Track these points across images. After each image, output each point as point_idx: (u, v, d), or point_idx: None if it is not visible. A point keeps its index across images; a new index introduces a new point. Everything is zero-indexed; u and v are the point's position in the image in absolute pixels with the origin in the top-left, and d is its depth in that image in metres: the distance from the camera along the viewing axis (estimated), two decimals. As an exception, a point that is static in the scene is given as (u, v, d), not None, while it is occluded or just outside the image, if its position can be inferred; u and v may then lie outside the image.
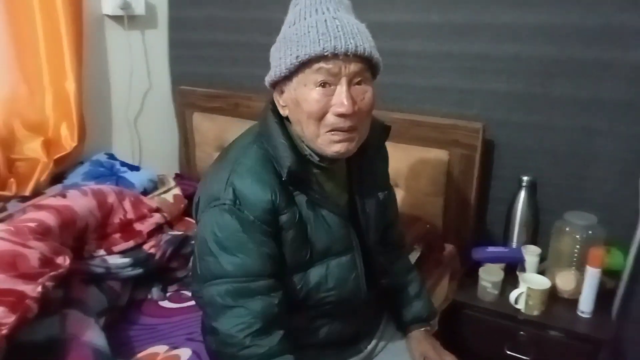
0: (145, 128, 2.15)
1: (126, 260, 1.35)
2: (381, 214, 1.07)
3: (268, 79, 0.94)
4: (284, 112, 0.94)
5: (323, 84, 0.86)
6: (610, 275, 1.52)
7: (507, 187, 1.67)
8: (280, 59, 0.88)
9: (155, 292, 1.46)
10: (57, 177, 1.77)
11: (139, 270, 1.38)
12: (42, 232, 1.11)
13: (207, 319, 0.95)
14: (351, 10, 0.93)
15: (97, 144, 1.95)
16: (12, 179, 1.65)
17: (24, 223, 1.11)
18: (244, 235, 0.89)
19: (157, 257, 1.42)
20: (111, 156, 1.94)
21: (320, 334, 1.03)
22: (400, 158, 1.68)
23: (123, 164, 1.90)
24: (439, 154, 1.64)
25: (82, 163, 1.86)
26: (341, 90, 0.86)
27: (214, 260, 0.90)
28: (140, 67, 2.08)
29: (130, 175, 1.83)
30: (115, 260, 1.34)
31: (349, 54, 0.84)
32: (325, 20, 0.85)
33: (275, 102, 0.96)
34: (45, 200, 1.29)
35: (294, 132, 0.96)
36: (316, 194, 0.95)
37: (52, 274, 1.04)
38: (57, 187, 1.70)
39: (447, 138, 1.63)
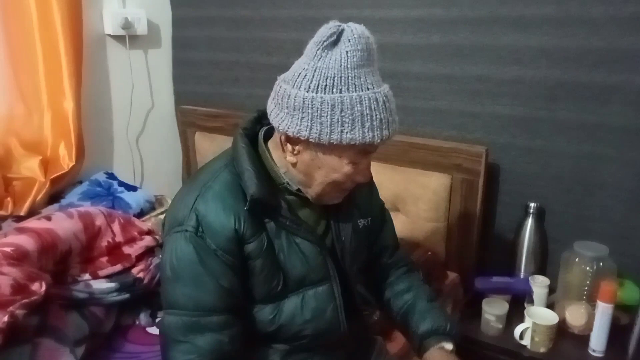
0: (147, 147, 2.14)
1: (112, 284, 1.32)
2: (362, 241, 1.03)
3: (290, 131, 0.84)
4: (291, 159, 0.89)
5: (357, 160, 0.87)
6: (624, 309, 1.43)
7: (512, 214, 1.60)
8: (322, 124, 0.81)
9: (143, 318, 1.42)
10: (54, 197, 1.77)
11: (125, 295, 1.34)
12: (18, 257, 1.08)
13: (161, 347, 0.91)
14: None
15: (97, 164, 1.95)
16: (8, 198, 1.65)
17: (0, 248, 1.08)
18: (200, 267, 0.85)
19: (145, 281, 1.39)
20: (111, 175, 1.93)
21: None
22: (400, 182, 1.63)
23: (121, 183, 1.89)
24: (441, 179, 1.59)
25: (80, 182, 1.86)
26: (366, 163, 0.90)
27: (170, 289, 0.88)
28: (142, 87, 2.08)
29: (126, 196, 1.82)
30: (100, 284, 1.30)
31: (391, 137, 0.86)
32: (382, 102, 0.82)
33: (282, 144, 0.89)
34: (29, 222, 1.27)
35: (276, 161, 0.92)
36: (287, 221, 0.91)
37: (24, 301, 1.00)
38: (54, 207, 1.69)
39: (449, 162, 1.57)
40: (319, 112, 0.81)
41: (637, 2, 1.31)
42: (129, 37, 1.94)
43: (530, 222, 1.54)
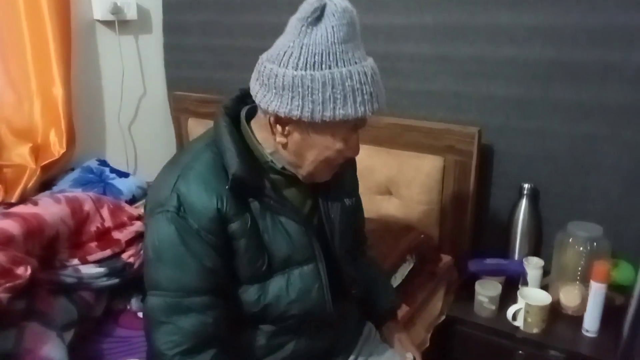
0: (140, 134, 2.12)
1: (101, 269, 1.31)
2: (349, 220, 1.03)
3: (280, 111, 0.81)
4: (281, 139, 0.87)
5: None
6: (619, 290, 1.42)
7: (507, 196, 1.58)
8: (313, 103, 0.79)
9: (134, 303, 1.41)
10: (46, 184, 1.76)
11: (114, 280, 1.33)
12: (3, 242, 1.07)
13: (145, 329, 0.91)
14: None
15: (89, 150, 1.93)
16: (-1, 186, 1.63)
17: (-16, 232, 1.08)
18: (182, 248, 0.84)
19: (135, 266, 1.37)
20: (103, 162, 1.92)
21: (285, 351, 0.97)
22: (393, 165, 1.62)
23: (113, 170, 1.88)
24: (434, 161, 1.57)
25: (73, 169, 1.85)
26: (356, 138, 0.89)
27: (152, 270, 0.87)
28: (133, 72, 2.06)
29: (118, 182, 1.81)
30: (89, 269, 1.29)
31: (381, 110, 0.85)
32: (371, 75, 0.82)
33: (271, 125, 0.87)
34: (16, 207, 1.26)
35: (259, 140, 0.91)
36: (271, 200, 0.90)
37: (7, 285, 1.00)
38: (45, 194, 1.68)
39: (442, 144, 1.55)
40: (309, 90, 0.79)
41: (633, -23, 1.28)
42: (118, 23, 1.91)
43: (524, 203, 1.53)
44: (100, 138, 2.00)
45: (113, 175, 1.83)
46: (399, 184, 1.62)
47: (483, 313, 1.44)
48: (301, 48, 0.80)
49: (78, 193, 1.45)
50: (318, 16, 0.79)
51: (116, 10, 1.87)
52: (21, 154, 1.70)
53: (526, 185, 1.52)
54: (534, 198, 1.53)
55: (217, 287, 0.88)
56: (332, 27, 0.78)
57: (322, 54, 0.79)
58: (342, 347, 1.08)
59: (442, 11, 1.55)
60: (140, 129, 2.12)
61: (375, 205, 1.67)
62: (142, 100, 2.12)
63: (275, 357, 0.97)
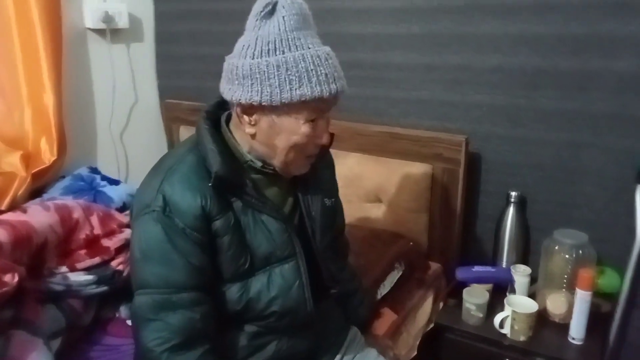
0: (131, 142, 2.13)
1: (89, 277, 1.31)
2: (328, 219, 1.06)
3: (242, 99, 0.86)
4: (250, 130, 0.91)
5: (313, 119, 0.88)
6: (605, 297, 1.43)
7: (494, 203, 1.60)
8: (271, 86, 0.84)
9: (123, 310, 1.41)
10: (37, 192, 1.75)
11: (103, 288, 1.33)
12: (-10, 249, 1.08)
13: (132, 330, 0.92)
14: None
15: (81, 158, 1.93)
16: (-11, 193, 1.63)
17: (-28, 240, 1.08)
18: (169, 246, 0.86)
19: (124, 274, 1.38)
20: (94, 170, 1.92)
21: (268, 351, 0.99)
22: (382, 172, 1.63)
23: (104, 178, 1.87)
24: (422, 168, 1.58)
25: (63, 177, 1.85)
26: (324, 124, 0.92)
27: (139, 269, 0.89)
28: (125, 81, 2.06)
29: (109, 190, 1.80)
30: (77, 277, 1.29)
31: (341, 94, 0.89)
32: (324, 59, 0.86)
33: (238, 117, 0.91)
34: (5, 215, 1.26)
35: (238, 140, 0.94)
36: (252, 198, 0.93)
37: (-6, 293, 1.00)
38: (35, 202, 1.68)
39: (430, 152, 1.57)
40: (266, 75, 0.84)
41: (615, -12, 1.31)
42: (110, 31, 1.92)
43: (511, 211, 1.54)
44: (92, 146, 2.00)
45: (104, 182, 1.82)
46: (387, 191, 1.63)
47: (471, 320, 1.44)
48: (256, 39, 0.86)
49: (68, 201, 1.46)
50: (270, 10, 0.86)
51: (107, 19, 1.88)
52: (11, 162, 1.69)
53: (513, 193, 1.53)
54: (521, 206, 1.55)
55: (204, 284, 0.90)
56: (283, 17, 0.85)
57: (275, 42, 0.85)
58: (326, 349, 1.10)
59: (429, 21, 1.57)
60: (132, 137, 2.12)
61: (365, 212, 1.68)
62: (134, 109, 2.12)
63: (257, 358, 0.98)
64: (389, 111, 1.69)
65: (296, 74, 0.84)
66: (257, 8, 0.87)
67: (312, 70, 0.84)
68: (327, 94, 0.85)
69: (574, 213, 1.50)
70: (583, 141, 1.44)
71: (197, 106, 2.07)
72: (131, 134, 2.12)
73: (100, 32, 1.91)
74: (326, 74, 0.85)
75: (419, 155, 1.58)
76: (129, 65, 2.07)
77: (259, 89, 0.84)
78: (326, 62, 0.86)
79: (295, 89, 0.84)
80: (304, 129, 0.88)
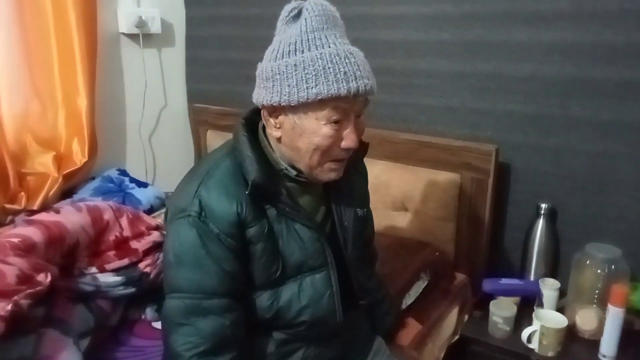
0: (160, 145, 2.16)
1: (118, 278, 1.32)
2: (360, 229, 1.05)
3: (265, 101, 0.88)
4: (276, 133, 0.91)
5: (336, 121, 0.86)
6: (638, 314, 1.39)
7: (524, 214, 1.57)
8: (289, 86, 0.83)
9: (149, 312, 1.42)
10: (67, 192, 1.80)
11: (131, 290, 1.34)
12: (25, 249, 1.10)
13: (162, 333, 0.93)
14: (344, 30, 0.91)
15: (110, 160, 1.97)
16: (22, 193, 1.67)
17: (8, 239, 1.10)
18: (202, 251, 0.87)
19: (152, 276, 1.39)
20: (123, 172, 1.96)
21: (295, 358, 0.98)
22: (409, 180, 1.62)
23: (132, 180, 1.91)
24: (450, 177, 1.56)
25: (93, 178, 1.89)
26: (350, 126, 0.88)
27: (172, 273, 0.89)
28: (155, 85, 2.10)
29: (137, 192, 1.84)
30: (106, 278, 1.31)
31: (365, 95, 0.86)
32: (344, 57, 0.84)
33: (265, 121, 0.92)
34: (38, 215, 1.29)
35: (273, 148, 0.94)
36: (287, 207, 0.92)
37: (28, 291, 1.02)
38: (67, 202, 1.72)
39: (459, 160, 1.55)
40: (285, 75, 0.84)
41: (653, -4, 1.27)
42: (142, 36, 1.96)
43: (541, 223, 1.51)
44: (121, 148, 2.04)
45: (132, 185, 1.86)
46: (414, 199, 1.62)
47: (497, 334, 1.42)
48: (280, 43, 0.87)
49: (99, 202, 1.48)
50: (295, 15, 0.87)
51: (141, 24, 1.92)
52: (44, 162, 1.74)
53: (543, 205, 1.50)
54: (552, 217, 1.51)
55: (236, 290, 0.90)
56: (305, 19, 0.85)
57: (295, 43, 0.85)
58: (352, 358, 1.09)
59: (459, 28, 1.55)
60: (161, 140, 2.16)
61: (391, 220, 1.67)
62: (163, 112, 2.16)
63: None
64: (417, 118, 1.68)
65: (313, 73, 0.82)
66: (283, 13, 0.88)
67: (329, 68, 0.82)
68: (345, 91, 0.82)
69: (606, 226, 1.46)
70: (617, 152, 1.40)
71: (224, 110, 2.10)
72: (159, 137, 2.15)
73: (133, 36, 1.96)
74: (345, 72, 0.82)
75: (448, 164, 1.57)
76: (160, 69, 2.11)
77: (279, 89, 0.84)
78: (346, 60, 0.83)
79: (312, 88, 0.82)
80: (325, 130, 0.86)
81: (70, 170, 1.77)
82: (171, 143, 2.21)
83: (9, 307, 0.96)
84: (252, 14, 1.98)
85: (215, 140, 2.12)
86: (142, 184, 1.89)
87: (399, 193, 1.64)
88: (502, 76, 1.51)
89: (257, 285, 0.93)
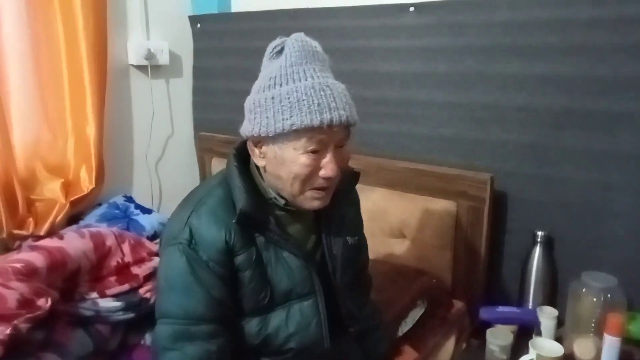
0: (166, 172, 2.21)
1: (118, 304, 1.36)
2: (350, 257, 1.06)
3: (247, 133, 0.93)
4: (260, 162, 0.95)
5: (313, 151, 0.89)
6: (636, 344, 1.37)
7: (521, 242, 1.57)
8: (267, 118, 0.88)
9: (148, 338, 1.44)
10: (74, 218, 1.84)
11: (130, 315, 1.37)
12: (27, 273, 1.14)
13: (152, 358, 0.95)
14: (328, 65, 0.95)
15: (117, 187, 2.02)
16: (30, 219, 1.72)
17: (10, 264, 1.14)
18: (191, 277, 0.89)
19: (151, 301, 1.42)
20: (129, 199, 2.00)
21: None
22: (406, 208, 1.64)
23: (137, 206, 1.95)
24: (446, 205, 1.58)
25: (100, 204, 1.93)
26: (329, 156, 0.91)
27: (163, 298, 0.92)
28: (163, 114, 2.17)
29: (141, 218, 1.87)
30: (106, 303, 1.34)
31: (341, 125, 0.88)
32: (319, 89, 0.87)
33: (250, 150, 0.96)
34: (42, 241, 1.33)
35: (263, 178, 0.97)
36: (275, 235, 0.95)
37: (28, 315, 1.05)
38: (72, 228, 1.76)
39: (454, 189, 1.57)
40: (264, 107, 0.89)
41: (640, 31, 1.31)
42: (151, 67, 2.03)
43: (538, 251, 1.51)
44: (128, 175, 2.10)
45: (137, 211, 1.90)
46: (411, 227, 1.63)
47: (494, 362, 1.41)
48: (263, 77, 0.92)
49: (102, 228, 1.52)
50: (278, 51, 0.92)
51: (150, 55, 2.00)
52: (53, 189, 1.79)
53: (540, 233, 1.50)
54: (549, 245, 1.52)
55: (223, 317, 0.92)
56: (286, 55, 0.89)
57: (275, 77, 0.89)
58: None
59: (455, 60, 1.59)
60: (166, 167, 2.21)
61: (388, 247, 1.69)
62: (170, 140, 2.22)
63: None
64: (414, 147, 1.71)
65: (288, 105, 0.86)
66: (268, 49, 0.93)
67: (303, 100, 0.86)
68: (318, 122, 0.85)
69: (602, 255, 1.46)
70: (612, 182, 1.41)
71: (228, 139, 2.14)
72: (166, 165, 2.21)
73: (142, 68, 2.03)
74: (319, 104, 0.86)
75: (444, 192, 1.59)
76: (167, 99, 2.18)
77: (259, 121, 0.89)
78: (321, 92, 0.87)
79: (287, 119, 0.86)
80: (303, 159, 0.89)
81: (77, 196, 1.82)
82: (177, 170, 2.26)
83: (8, 330, 0.98)
84: (255, 46, 2.01)
85: (220, 167, 2.13)
86: (147, 211, 1.93)
87: (396, 220, 1.66)
88: (496, 107, 1.54)
89: (246, 312, 0.94)
